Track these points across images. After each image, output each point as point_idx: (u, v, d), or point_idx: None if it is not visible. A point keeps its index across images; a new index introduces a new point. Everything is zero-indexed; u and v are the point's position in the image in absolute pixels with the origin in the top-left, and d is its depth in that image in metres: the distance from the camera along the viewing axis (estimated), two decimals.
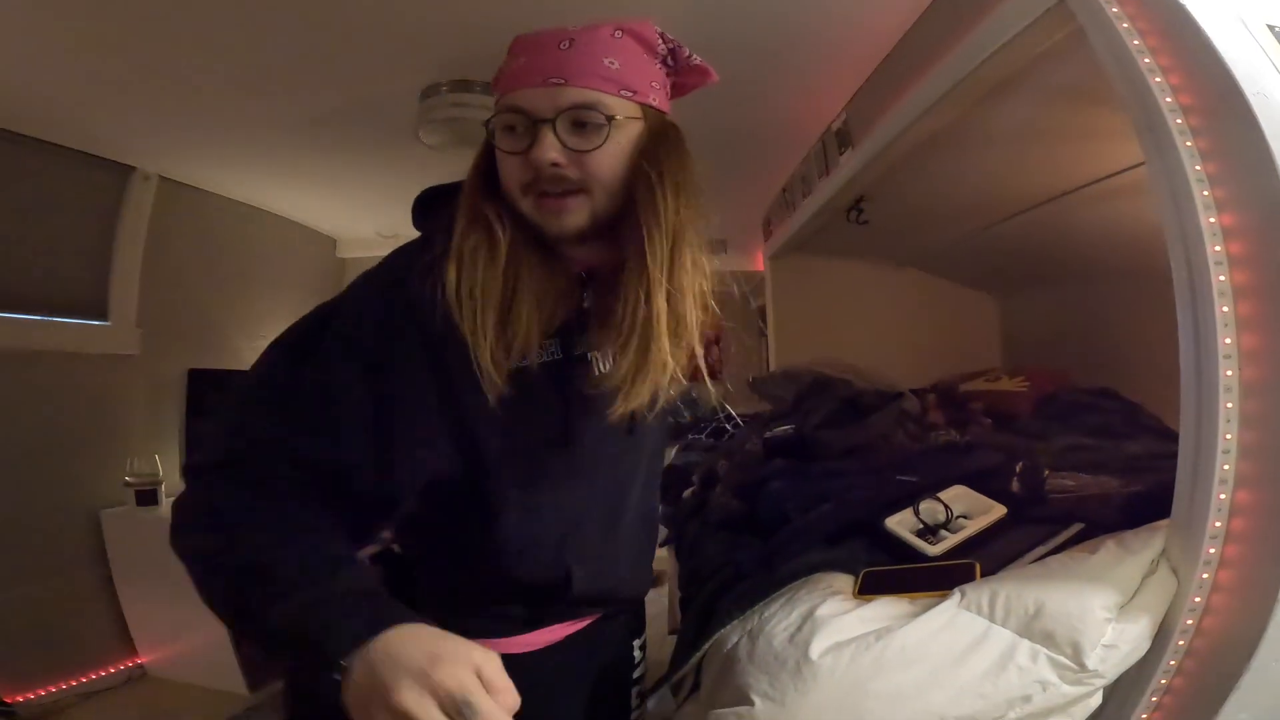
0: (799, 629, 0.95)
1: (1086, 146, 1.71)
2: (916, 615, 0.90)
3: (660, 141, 0.75)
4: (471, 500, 0.79)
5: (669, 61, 0.79)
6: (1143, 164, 0.90)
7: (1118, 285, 2.31)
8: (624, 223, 0.74)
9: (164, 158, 2.73)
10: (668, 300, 0.72)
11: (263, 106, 2.24)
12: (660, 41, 0.78)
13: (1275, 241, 0.77)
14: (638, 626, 1.12)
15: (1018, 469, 1.38)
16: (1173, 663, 0.83)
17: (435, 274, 0.71)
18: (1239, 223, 0.80)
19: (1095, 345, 2.49)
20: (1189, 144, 0.83)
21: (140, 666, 2.65)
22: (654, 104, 0.77)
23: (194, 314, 3.10)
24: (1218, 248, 0.81)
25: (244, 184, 3.14)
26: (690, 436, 3.07)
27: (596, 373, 0.79)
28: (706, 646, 1.08)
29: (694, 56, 0.80)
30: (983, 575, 0.98)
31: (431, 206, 0.84)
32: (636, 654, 1.14)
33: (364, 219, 3.79)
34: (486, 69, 2.02)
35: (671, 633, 1.64)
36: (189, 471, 0.72)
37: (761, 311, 3.76)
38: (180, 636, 2.59)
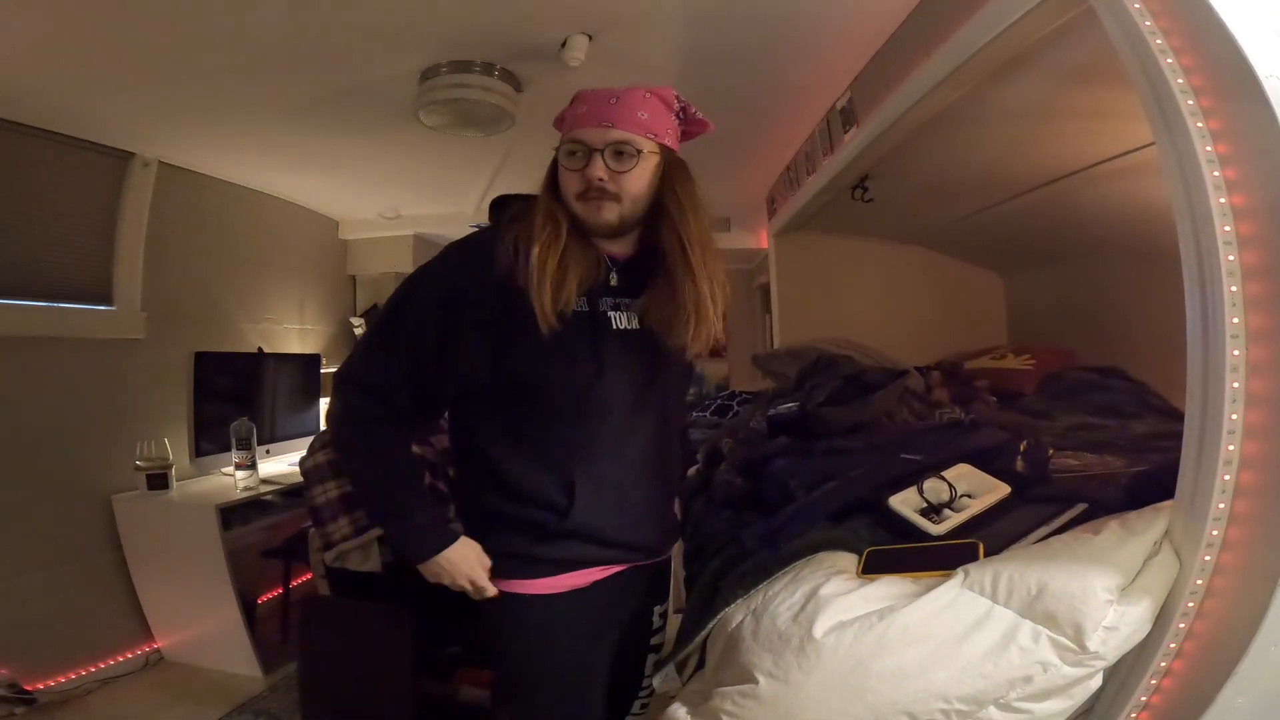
0: (803, 608, 0.96)
1: (1094, 126, 1.68)
2: (919, 595, 0.91)
3: (673, 169, 1.10)
4: (503, 419, 1.09)
5: (680, 115, 1.12)
6: (1151, 144, 0.89)
7: (1125, 264, 2.29)
8: (653, 227, 1.10)
9: (163, 143, 2.71)
10: (709, 281, 1.08)
11: (262, 89, 2.22)
12: (675, 101, 1.11)
13: None
14: (660, 592, 1.30)
15: (1022, 448, 1.39)
16: (1173, 645, 0.83)
17: (506, 245, 1.05)
18: (1249, 203, 0.79)
19: (1102, 323, 2.48)
20: (1200, 125, 0.82)
21: (157, 651, 2.68)
22: (668, 144, 1.10)
23: (198, 297, 3.10)
24: (1227, 228, 0.80)
25: (245, 167, 3.13)
26: (695, 414, 3.08)
27: (615, 327, 1.10)
28: (711, 625, 1.09)
29: (698, 112, 1.13)
30: (986, 555, 0.98)
31: (501, 205, 1.18)
32: (656, 620, 1.29)
33: (366, 200, 3.78)
34: (486, 50, 2.02)
35: (676, 611, 1.65)
36: (337, 379, 1.13)
37: (764, 289, 3.75)
38: (195, 621, 2.63)
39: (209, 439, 3.00)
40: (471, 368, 1.07)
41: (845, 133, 2.18)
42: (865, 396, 1.79)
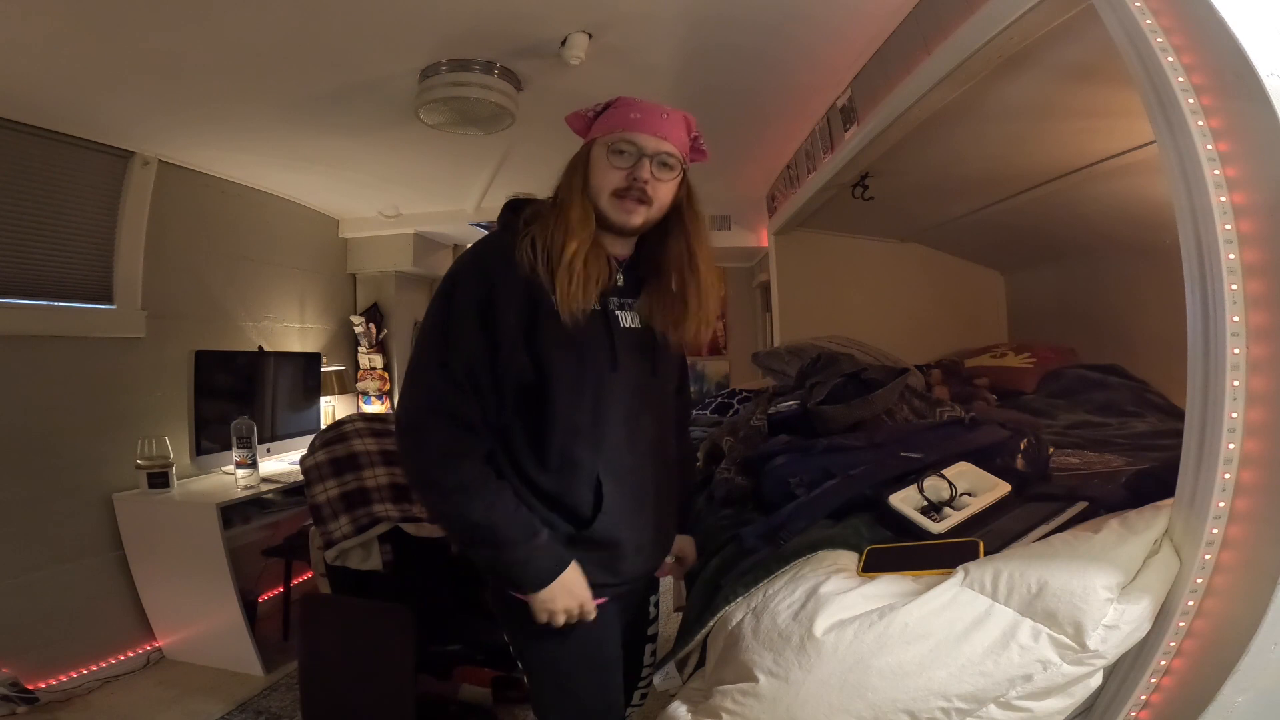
0: (803, 606, 0.96)
1: (1095, 124, 1.68)
2: (920, 593, 0.91)
3: (690, 186, 1.19)
4: (523, 423, 1.11)
5: (692, 142, 1.20)
6: (1152, 142, 0.89)
7: (1125, 262, 2.29)
8: (656, 234, 1.17)
9: (163, 141, 2.71)
10: (713, 286, 1.19)
11: (262, 88, 2.22)
12: (694, 129, 1.19)
13: None
14: (653, 583, 1.34)
15: (1023, 446, 1.38)
16: (1173, 644, 0.83)
17: (525, 246, 1.08)
18: (1250, 201, 0.79)
19: (1102, 321, 2.48)
20: (1201, 123, 0.82)
21: (158, 650, 2.69)
22: (686, 165, 1.19)
23: (198, 296, 3.10)
24: (1228, 226, 0.80)
25: (245, 166, 3.13)
26: (695, 412, 3.08)
27: (623, 324, 1.15)
28: (712, 623, 1.10)
29: (704, 143, 1.21)
30: (986, 553, 0.98)
31: (515, 208, 1.17)
32: (652, 610, 1.34)
33: (366, 199, 3.78)
34: (486, 48, 2.02)
35: (677, 609, 1.66)
36: (420, 410, 1.09)
37: (764, 287, 3.74)
38: (196, 619, 2.63)
39: (210, 437, 3.00)
40: (508, 371, 1.08)
41: (845, 131, 2.18)
42: (865, 394, 1.78)
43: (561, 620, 1.07)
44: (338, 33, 1.87)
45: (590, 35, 1.87)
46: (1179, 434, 0.86)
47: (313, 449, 2.34)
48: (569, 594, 1.07)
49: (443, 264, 4.64)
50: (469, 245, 1.15)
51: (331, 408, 3.97)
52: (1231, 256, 0.80)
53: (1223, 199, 0.81)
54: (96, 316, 2.65)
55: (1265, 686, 0.77)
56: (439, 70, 2.07)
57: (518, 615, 1.10)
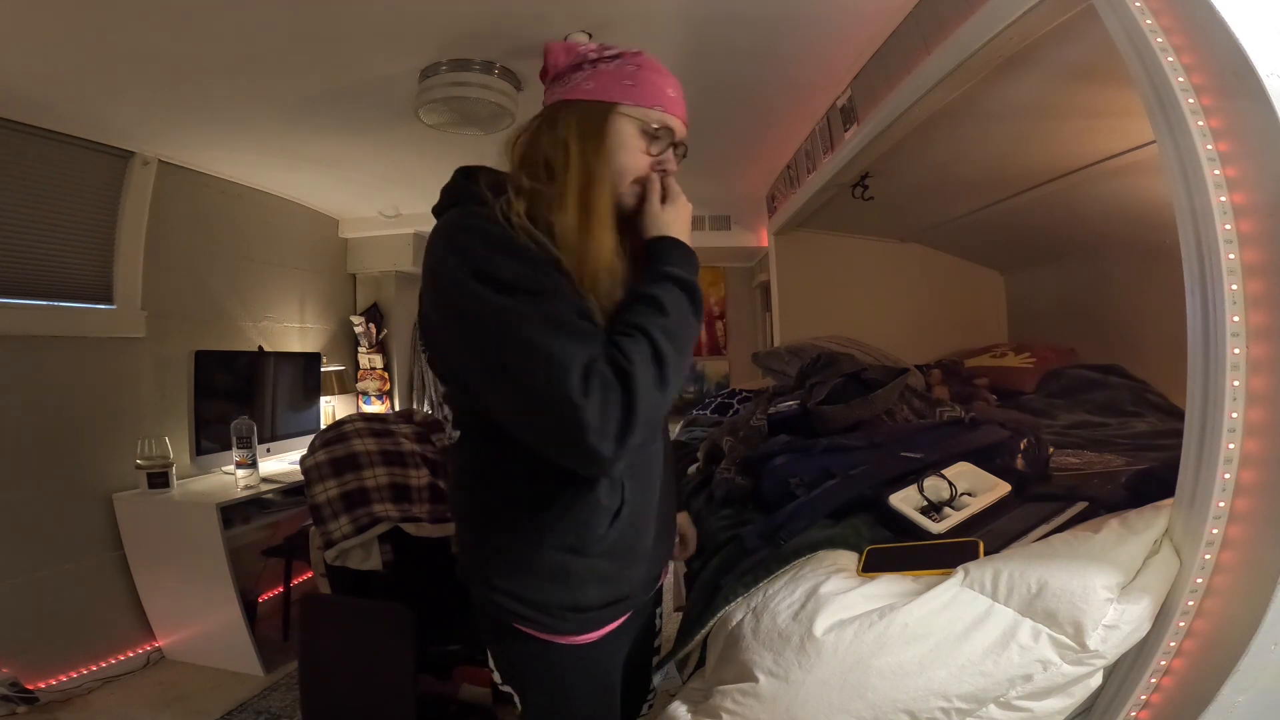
0: (803, 606, 0.96)
1: (1095, 124, 1.68)
2: (920, 593, 0.91)
3: None
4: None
5: None
6: (1152, 142, 0.89)
7: (1125, 262, 2.29)
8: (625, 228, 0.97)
9: (163, 141, 2.71)
10: None
11: (262, 88, 2.22)
12: None
13: None
14: (658, 594, 1.20)
15: (1023, 446, 1.38)
16: (1173, 644, 0.83)
17: (520, 233, 0.86)
18: (1250, 201, 0.79)
19: (1102, 321, 2.48)
20: (1201, 123, 0.82)
21: (158, 650, 2.69)
22: None
23: (198, 296, 3.11)
24: (1228, 226, 0.80)
25: (245, 165, 3.13)
26: (695, 412, 3.08)
27: None
28: (712, 623, 1.10)
29: None
30: (986, 553, 0.98)
31: (471, 175, 0.96)
32: (658, 622, 1.24)
33: (366, 199, 3.78)
34: (486, 48, 2.01)
35: (677, 609, 1.66)
36: (575, 401, 0.77)
37: (764, 287, 3.74)
38: (196, 619, 2.63)
39: (210, 437, 3.00)
40: None
41: (846, 130, 2.18)
42: (865, 394, 1.78)
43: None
44: (338, 33, 1.87)
45: (590, 35, 1.87)
46: (1179, 434, 0.86)
47: (313, 449, 2.34)
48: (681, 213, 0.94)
49: None
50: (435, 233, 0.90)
51: (331, 408, 3.97)
52: (1231, 256, 0.80)
53: (1223, 199, 0.81)
54: (96, 316, 2.65)
55: (1265, 686, 0.77)
56: (439, 70, 2.07)
57: (521, 645, 0.97)
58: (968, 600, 0.88)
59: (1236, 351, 0.80)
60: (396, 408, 4.28)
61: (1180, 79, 0.83)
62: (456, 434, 1.03)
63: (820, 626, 0.91)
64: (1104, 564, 0.84)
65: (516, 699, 1.06)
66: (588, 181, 0.91)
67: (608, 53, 0.97)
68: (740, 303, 5.01)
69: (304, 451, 2.38)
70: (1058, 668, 0.82)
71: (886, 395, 1.79)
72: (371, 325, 4.18)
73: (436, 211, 0.95)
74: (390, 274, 4.23)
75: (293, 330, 3.74)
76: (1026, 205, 2.30)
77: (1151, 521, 0.89)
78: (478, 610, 1.02)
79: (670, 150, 0.96)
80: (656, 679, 1.31)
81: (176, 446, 2.79)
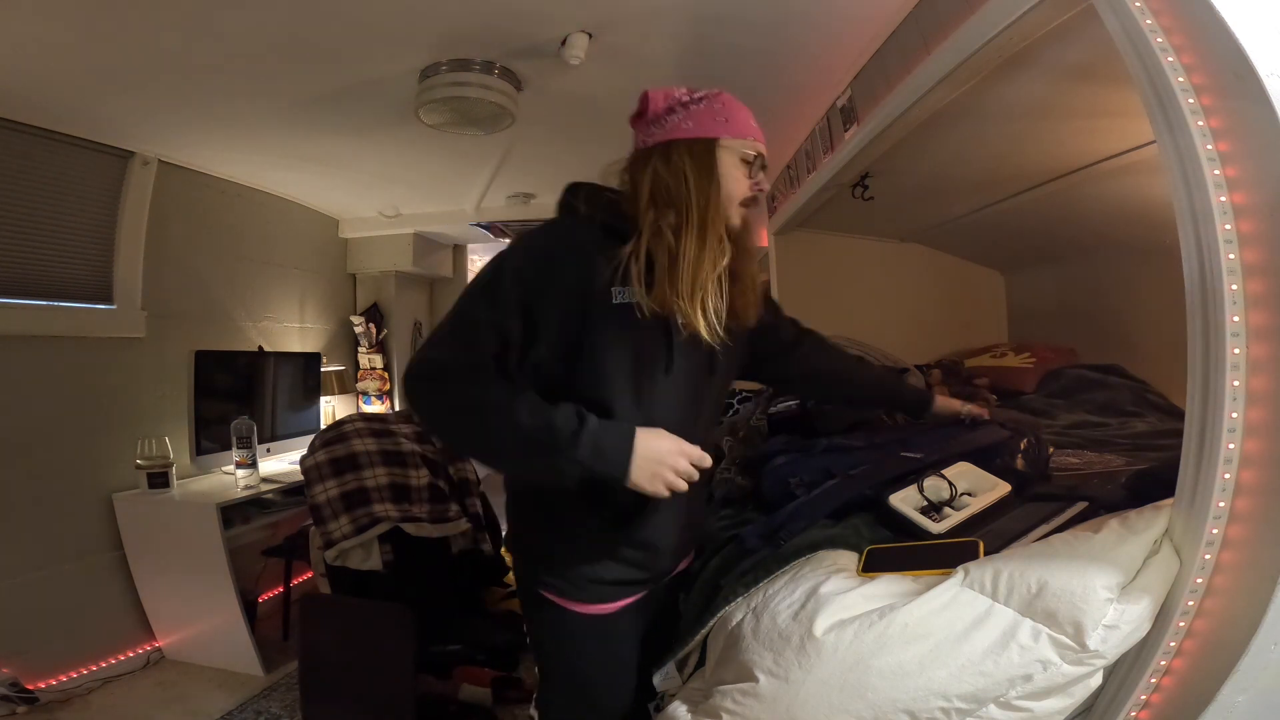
0: (803, 606, 0.96)
1: (1095, 124, 1.68)
2: (920, 593, 0.91)
3: None
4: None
5: None
6: (1152, 142, 0.89)
7: (1126, 262, 2.29)
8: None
9: (163, 141, 2.71)
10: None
11: (261, 88, 2.22)
12: None
13: None
14: (680, 579, 1.30)
15: (1023, 445, 1.38)
16: (1173, 644, 0.83)
17: (626, 254, 1.03)
18: (1250, 201, 0.79)
19: (1102, 321, 2.48)
20: (1201, 123, 0.82)
21: (158, 650, 2.69)
22: None
23: (198, 296, 3.11)
24: (1228, 226, 0.80)
25: (245, 165, 3.13)
26: None
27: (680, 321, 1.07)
28: (711, 623, 1.10)
29: None
30: (986, 553, 0.98)
31: (574, 192, 1.13)
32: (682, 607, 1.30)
33: (366, 198, 3.78)
34: (486, 48, 2.01)
35: None
36: (414, 379, 1.01)
37: (765, 286, 3.73)
38: (196, 619, 2.63)
39: (210, 437, 3.00)
40: (543, 357, 1.04)
41: (845, 130, 2.17)
42: None
43: (683, 485, 0.98)
44: (338, 33, 1.87)
45: (590, 35, 1.87)
46: (1179, 434, 0.86)
47: (313, 449, 2.34)
48: (661, 456, 0.97)
49: (443, 264, 4.64)
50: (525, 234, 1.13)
51: (331, 408, 3.97)
52: (1231, 256, 0.80)
53: (1223, 199, 0.81)
54: (96, 316, 2.65)
55: (1265, 686, 0.77)
56: (439, 70, 2.07)
57: (546, 612, 1.12)
58: (968, 600, 0.88)
59: (1236, 351, 0.80)
60: (396, 408, 4.28)
61: (1180, 79, 0.83)
62: None
63: (820, 626, 0.91)
64: (1104, 564, 0.84)
65: (537, 670, 1.20)
66: (705, 205, 1.06)
67: (696, 95, 1.14)
68: None
69: (304, 451, 2.38)
70: (1058, 668, 0.82)
71: None
72: (371, 325, 4.18)
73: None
74: (390, 274, 4.23)
75: (293, 330, 3.74)
76: (1026, 205, 2.30)
77: (1151, 521, 0.89)
78: (519, 581, 1.18)
79: (760, 171, 1.13)
80: (657, 679, 1.31)
81: (176, 446, 2.79)
